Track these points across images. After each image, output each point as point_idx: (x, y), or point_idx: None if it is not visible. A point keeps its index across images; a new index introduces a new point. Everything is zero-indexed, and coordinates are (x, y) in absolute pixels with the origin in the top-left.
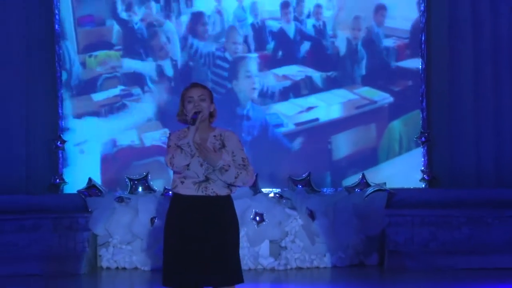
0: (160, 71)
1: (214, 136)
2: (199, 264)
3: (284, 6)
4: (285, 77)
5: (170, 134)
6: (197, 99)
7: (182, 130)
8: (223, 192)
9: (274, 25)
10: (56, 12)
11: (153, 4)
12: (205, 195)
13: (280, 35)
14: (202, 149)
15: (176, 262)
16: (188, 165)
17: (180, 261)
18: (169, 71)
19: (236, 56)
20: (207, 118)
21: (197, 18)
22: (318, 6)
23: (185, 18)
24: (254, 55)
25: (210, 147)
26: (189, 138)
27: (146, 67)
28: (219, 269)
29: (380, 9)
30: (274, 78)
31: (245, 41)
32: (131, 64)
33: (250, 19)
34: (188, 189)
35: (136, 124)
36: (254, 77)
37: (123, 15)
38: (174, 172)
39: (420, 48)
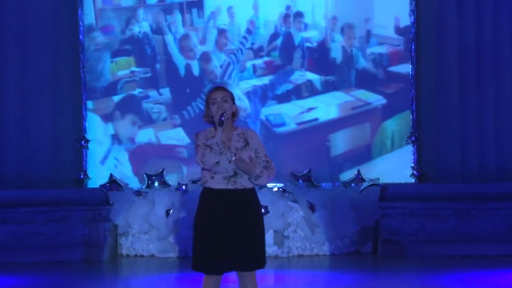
0: (174, 76)
1: (238, 134)
2: (228, 251)
3: (289, 18)
4: (287, 81)
5: (197, 134)
6: (220, 101)
7: (208, 130)
8: (250, 185)
9: (279, 34)
10: (81, 24)
11: (170, 13)
12: (234, 189)
13: (285, 43)
14: (240, 162)
15: (207, 249)
16: (217, 162)
17: (211, 249)
18: (182, 74)
19: (244, 62)
20: (230, 117)
21: (211, 28)
22: (317, 18)
23: (199, 26)
24: (260, 61)
25: (247, 159)
26: (217, 138)
27: (161, 71)
28: (247, 255)
29: (373, 19)
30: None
31: (252, 48)
32: (147, 69)
33: (261, 31)
34: (218, 184)
35: (153, 124)
36: (259, 81)
37: (138, 25)
38: (203, 169)
39: (410, 55)
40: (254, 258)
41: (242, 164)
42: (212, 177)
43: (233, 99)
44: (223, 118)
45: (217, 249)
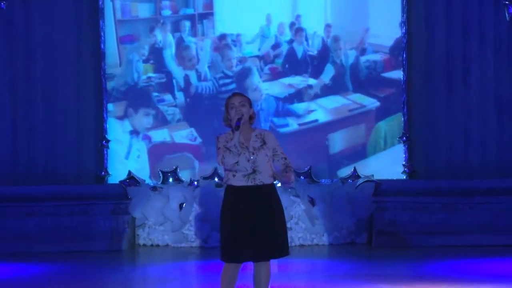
0: (187, 80)
1: (256, 135)
2: (252, 242)
3: (293, 29)
4: (290, 85)
5: (218, 137)
6: (238, 105)
7: (227, 133)
8: (269, 181)
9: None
10: (102, 34)
11: (183, 24)
12: (254, 185)
13: (289, 52)
14: (280, 177)
15: (232, 241)
16: (237, 162)
17: (236, 241)
18: (194, 80)
19: (251, 68)
20: (247, 121)
21: (221, 38)
22: (318, 29)
23: (211, 37)
24: (266, 67)
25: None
26: (235, 141)
27: (176, 76)
28: (270, 245)
29: (369, 29)
30: (281, 87)
31: (259, 57)
32: (162, 75)
33: (268, 40)
34: (239, 181)
35: (167, 124)
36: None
37: (157, 33)
38: (225, 169)
39: (402, 63)
40: (278, 247)
41: (283, 178)
42: (234, 176)
43: (250, 104)
44: (239, 123)
45: (241, 241)
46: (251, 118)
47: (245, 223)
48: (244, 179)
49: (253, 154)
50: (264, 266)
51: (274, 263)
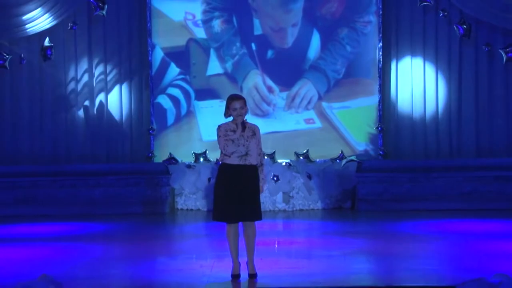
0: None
1: (249, 127)
2: (238, 207)
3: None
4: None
5: (219, 126)
6: (239, 109)
7: (227, 123)
8: (255, 162)
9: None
10: (149, 48)
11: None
12: (244, 164)
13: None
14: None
15: (223, 206)
16: (235, 150)
17: (226, 205)
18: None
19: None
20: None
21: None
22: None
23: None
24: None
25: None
26: (237, 135)
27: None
28: (251, 210)
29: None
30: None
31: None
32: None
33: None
34: (234, 160)
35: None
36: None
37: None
38: (223, 153)
39: (379, 76)
40: (256, 212)
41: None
42: (230, 156)
43: (245, 103)
44: (245, 126)
45: (230, 206)
46: (246, 113)
47: (235, 193)
48: (237, 159)
49: (247, 141)
50: (251, 226)
51: (280, 224)
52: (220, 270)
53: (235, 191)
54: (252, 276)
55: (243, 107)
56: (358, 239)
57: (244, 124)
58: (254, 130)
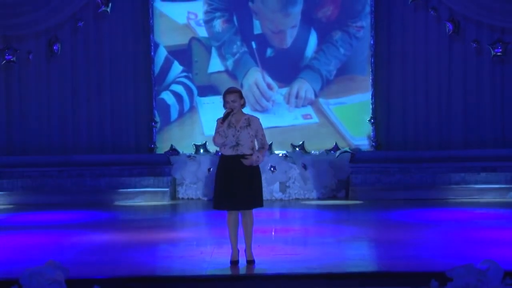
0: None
1: (245, 119)
2: (234, 196)
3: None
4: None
5: (217, 120)
6: (231, 102)
7: (221, 118)
8: (248, 152)
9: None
10: (152, 45)
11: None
12: (236, 154)
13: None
14: (248, 162)
15: (221, 195)
16: (223, 142)
17: (224, 194)
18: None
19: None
20: (239, 109)
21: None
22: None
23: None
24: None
25: (255, 158)
26: (224, 126)
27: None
28: (248, 198)
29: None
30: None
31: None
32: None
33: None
34: (227, 151)
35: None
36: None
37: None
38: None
39: (372, 71)
40: (252, 201)
41: (249, 162)
42: (224, 148)
43: (241, 96)
44: (228, 116)
45: (227, 194)
46: (242, 105)
47: (231, 182)
48: (230, 149)
49: (238, 131)
50: (249, 214)
51: (277, 212)
52: (220, 256)
53: (231, 181)
54: (250, 263)
55: (236, 100)
56: (352, 227)
57: (227, 116)
58: (250, 121)
